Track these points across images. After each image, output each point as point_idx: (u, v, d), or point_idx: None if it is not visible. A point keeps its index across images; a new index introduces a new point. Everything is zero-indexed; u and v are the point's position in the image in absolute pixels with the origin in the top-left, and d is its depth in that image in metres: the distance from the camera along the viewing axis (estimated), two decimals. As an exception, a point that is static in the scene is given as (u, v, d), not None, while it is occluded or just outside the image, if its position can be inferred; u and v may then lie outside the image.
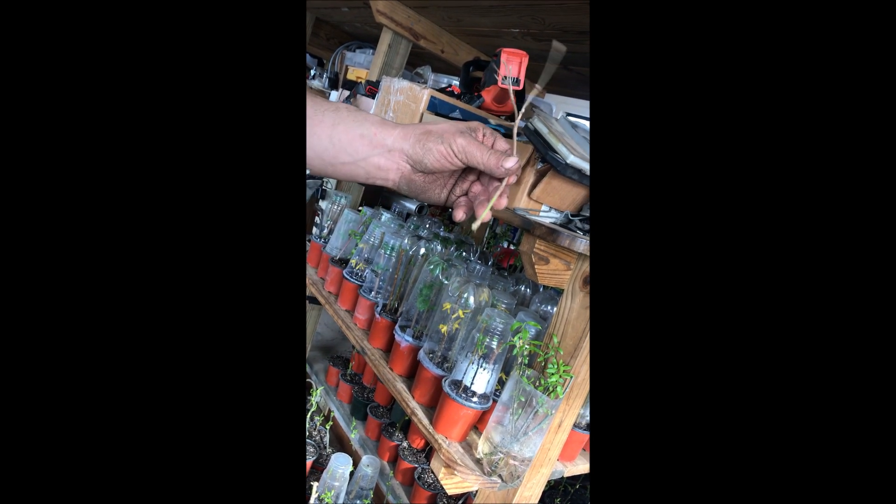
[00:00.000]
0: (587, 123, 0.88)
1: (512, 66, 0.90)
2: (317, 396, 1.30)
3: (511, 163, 0.49)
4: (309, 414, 1.31)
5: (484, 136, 0.53)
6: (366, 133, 0.51)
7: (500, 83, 0.89)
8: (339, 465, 1.09)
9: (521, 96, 1.04)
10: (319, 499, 1.07)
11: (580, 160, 0.70)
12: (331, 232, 1.29)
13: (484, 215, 0.51)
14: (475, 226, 0.53)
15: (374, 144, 0.51)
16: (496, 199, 0.51)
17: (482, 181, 0.55)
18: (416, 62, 1.57)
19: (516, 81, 0.89)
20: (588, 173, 0.72)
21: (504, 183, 0.51)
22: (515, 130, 0.52)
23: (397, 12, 1.29)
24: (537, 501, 0.82)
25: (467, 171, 0.55)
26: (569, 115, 0.86)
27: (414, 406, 0.85)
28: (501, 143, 0.53)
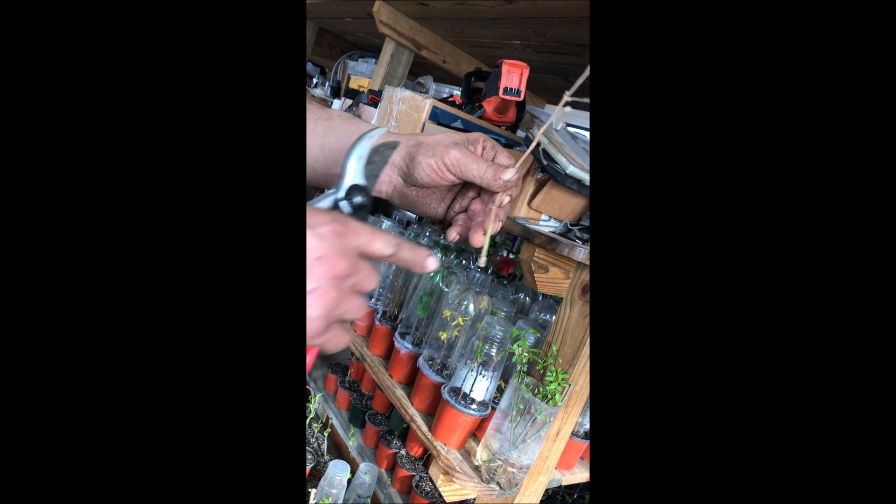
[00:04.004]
0: (586, 134, 0.89)
1: (513, 76, 0.91)
2: (315, 403, 1.30)
3: (509, 174, 0.46)
4: (307, 421, 1.31)
5: (484, 149, 0.50)
6: None
7: (501, 94, 0.90)
8: (337, 472, 1.09)
9: (521, 107, 1.05)
10: (317, 506, 1.07)
11: (579, 170, 0.71)
12: (331, 239, 1.30)
13: (487, 241, 0.48)
14: (482, 261, 0.50)
15: None
16: (492, 225, 0.48)
17: (482, 198, 0.52)
18: (417, 72, 1.58)
19: (517, 92, 0.90)
20: (587, 183, 0.73)
21: (497, 203, 0.48)
22: (523, 153, 0.49)
23: (400, 23, 1.30)
24: (535, 510, 0.82)
25: (467, 185, 0.52)
26: (568, 125, 0.87)
27: (413, 413, 0.85)
28: (502, 158, 0.49)
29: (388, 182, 0.51)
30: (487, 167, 0.46)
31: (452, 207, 0.53)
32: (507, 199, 0.49)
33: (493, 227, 0.49)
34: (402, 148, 0.49)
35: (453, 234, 0.51)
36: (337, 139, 0.49)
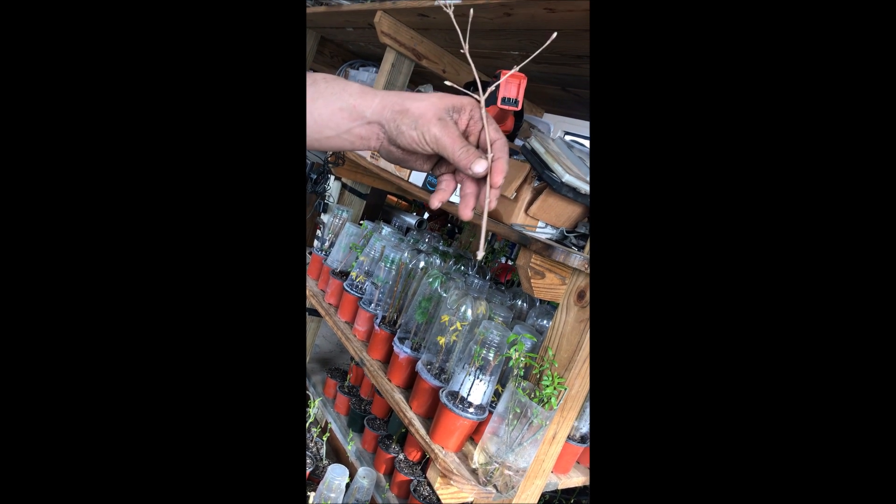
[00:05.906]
0: (584, 143, 0.91)
1: (511, 87, 0.93)
2: (314, 408, 1.31)
3: (481, 167, 0.46)
4: (306, 425, 1.32)
5: (471, 119, 0.50)
6: (345, 106, 0.50)
7: (499, 103, 0.92)
8: (336, 476, 1.10)
9: (519, 116, 1.07)
10: (315, 510, 1.07)
11: (575, 179, 0.73)
12: (332, 245, 1.32)
13: (484, 212, 0.47)
14: (480, 254, 0.50)
15: (355, 117, 0.50)
16: (487, 206, 0.47)
17: None
18: (417, 81, 1.61)
19: (515, 102, 0.92)
20: (582, 192, 0.75)
21: (488, 184, 0.47)
22: (483, 108, 0.50)
23: (401, 33, 1.33)
24: (532, 513, 0.83)
25: None
26: (567, 134, 0.89)
27: (411, 416, 0.86)
28: (492, 132, 0.49)
29: (376, 138, 0.51)
30: (463, 153, 0.46)
31: (438, 167, 0.53)
32: (500, 179, 0.48)
33: (490, 205, 0.48)
34: (387, 109, 0.49)
35: (435, 202, 0.51)
36: (325, 103, 0.50)
